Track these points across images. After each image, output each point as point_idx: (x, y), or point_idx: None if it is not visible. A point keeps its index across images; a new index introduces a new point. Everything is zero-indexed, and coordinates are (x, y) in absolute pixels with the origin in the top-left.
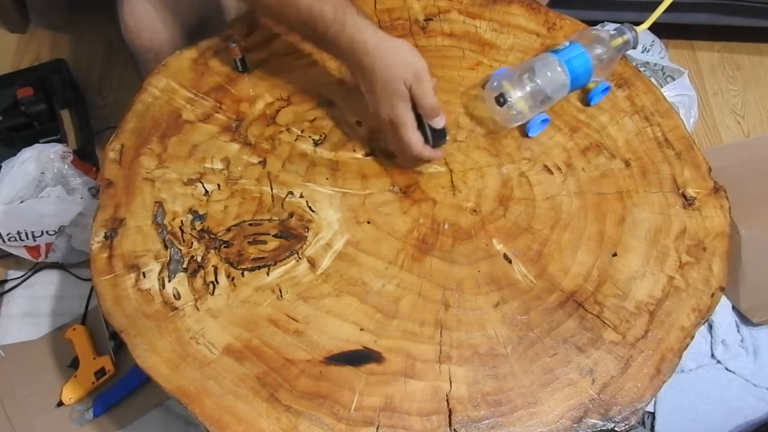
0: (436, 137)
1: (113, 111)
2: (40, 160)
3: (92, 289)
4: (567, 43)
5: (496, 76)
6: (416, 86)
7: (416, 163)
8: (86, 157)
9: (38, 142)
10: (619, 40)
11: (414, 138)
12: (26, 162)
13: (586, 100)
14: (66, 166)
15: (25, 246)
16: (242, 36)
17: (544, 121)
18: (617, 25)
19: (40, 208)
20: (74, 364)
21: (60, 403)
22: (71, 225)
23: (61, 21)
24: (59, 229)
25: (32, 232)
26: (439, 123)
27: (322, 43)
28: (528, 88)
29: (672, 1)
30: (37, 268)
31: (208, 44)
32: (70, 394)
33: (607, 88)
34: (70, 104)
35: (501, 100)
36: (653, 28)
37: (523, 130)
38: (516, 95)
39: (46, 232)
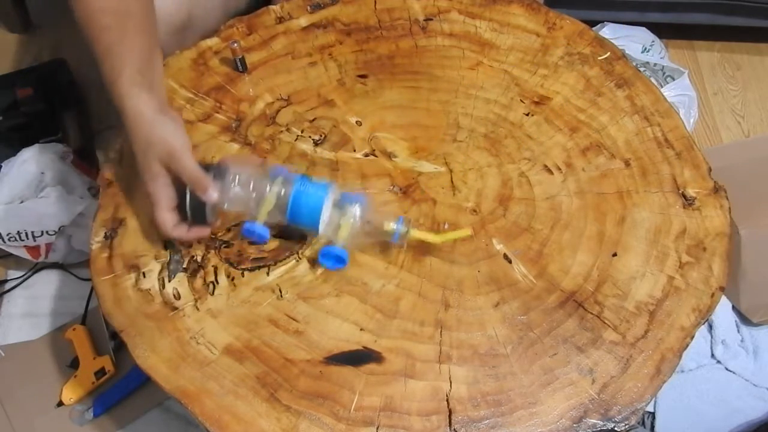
0: (196, 215)
1: (113, 111)
2: (40, 160)
3: (92, 289)
4: (326, 182)
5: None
6: (173, 165)
7: (182, 242)
8: (86, 157)
9: (38, 142)
10: (387, 227)
11: (161, 218)
12: (26, 162)
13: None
14: (66, 166)
15: (25, 246)
16: (242, 36)
17: (339, 259)
18: None
19: (40, 208)
20: (74, 364)
21: (60, 403)
22: (71, 225)
23: (61, 21)
24: (59, 229)
25: (32, 232)
26: (209, 198)
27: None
28: (235, 187)
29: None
30: (37, 268)
31: (207, 44)
32: (70, 394)
33: (343, 262)
34: (70, 104)
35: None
36: (652, 29)
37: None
38: (235, 178)
39: (46, 232)
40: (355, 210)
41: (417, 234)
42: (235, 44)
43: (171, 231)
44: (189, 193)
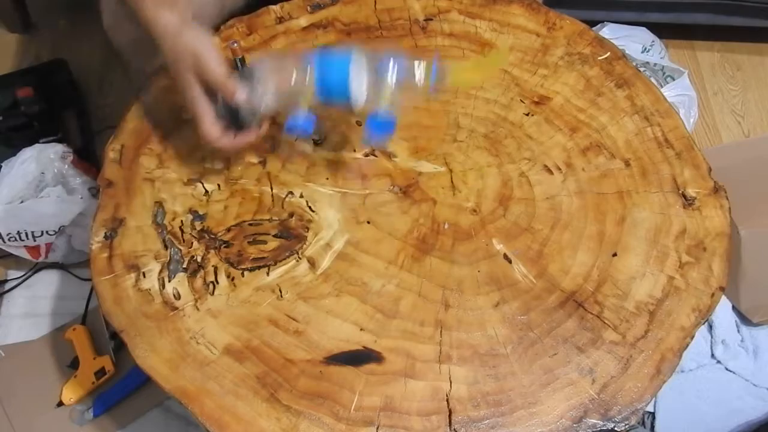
0: (234, 121)
1: (113, 111)
2: (40, 160)
3: (92, 289)
4: (350, 50)
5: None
6: (199, 70)
7: (230, 152)
8: (87, 158)
9: (38, 142)
10: (415, 77)
11: (204, 131)
12: (26, 162)
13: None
14: (66, 166)
15: (25, 246)
16: (242, 36)
17: (385, 125)
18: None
19: (40, 208)
20: (74, 364)
21: (60, 403)
22: (71, 225)
23: (61, 21)
24: (59, 229)
25: (32, 232)
26: (238, 99)
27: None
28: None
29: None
30: (37, 268)
31: None
32: (70, 394)
33: (391, 127)
34: (70, 104)
35: (238, 64)
36: (652, 29)
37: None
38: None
39: (46, 232)
40: (388, 69)
41: (456, 74)
42: (235, 44)
43: (216, 142)
44: (220, 99)
